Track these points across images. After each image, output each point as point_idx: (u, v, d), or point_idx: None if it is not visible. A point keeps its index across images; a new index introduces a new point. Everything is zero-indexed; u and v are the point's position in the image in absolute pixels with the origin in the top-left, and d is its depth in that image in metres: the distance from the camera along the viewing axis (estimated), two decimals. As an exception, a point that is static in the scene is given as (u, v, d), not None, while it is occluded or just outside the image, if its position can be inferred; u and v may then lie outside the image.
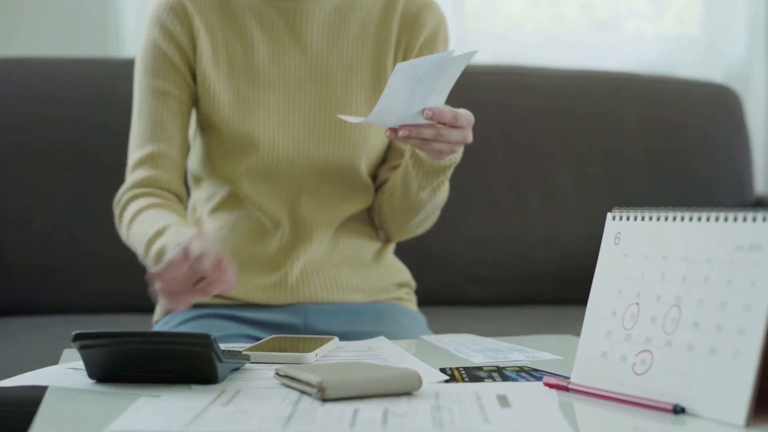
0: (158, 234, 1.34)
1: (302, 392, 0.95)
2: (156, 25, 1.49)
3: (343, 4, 1.51)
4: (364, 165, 1.51)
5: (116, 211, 1.48)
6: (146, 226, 1.38)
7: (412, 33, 1.52)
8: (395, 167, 1.54)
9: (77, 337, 0.99)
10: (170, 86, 1.48)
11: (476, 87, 2.26)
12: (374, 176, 1.56)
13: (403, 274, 1.61)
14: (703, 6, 2.71)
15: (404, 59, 1.52)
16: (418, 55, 1.52)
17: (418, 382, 0.95)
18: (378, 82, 1.51)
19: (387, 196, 1.51)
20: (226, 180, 1.50)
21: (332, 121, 1.48)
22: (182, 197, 1.49)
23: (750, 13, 2.67)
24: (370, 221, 1.57)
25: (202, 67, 1.48)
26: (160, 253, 1.31)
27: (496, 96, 2.27)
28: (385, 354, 1.19)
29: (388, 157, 1.55)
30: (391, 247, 1.61)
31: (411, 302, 1.61)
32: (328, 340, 1.22)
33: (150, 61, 1.49)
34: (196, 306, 1.50)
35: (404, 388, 0.95)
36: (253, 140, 1.47)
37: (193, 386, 0.99)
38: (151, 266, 1.32)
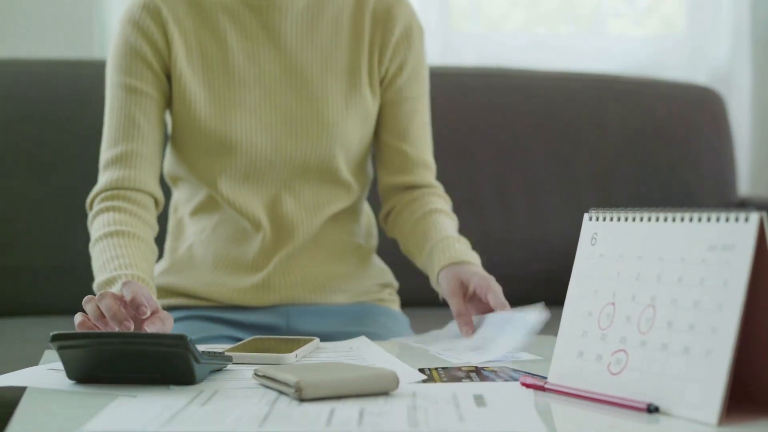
0: (107, 284, 1.29)
1: (280, 392, 0.96)
2: (129, 24, 1.48)
3: (314, 1, 1.51)
4: (342, 161, 1.51)
5: (88, 214, 1.45)
6: (102, 260, 1.33)
7: (385, 29, 1.52)
8: (398, 171, 1.55)
9: (55, 338, 0.99)
10: (144, 85, 1.46)
11: (461, 88, 2.27)
12: (376, 180, 1.56)
13: (386, 274, 1.61)
14: (687, 8, 2.72)
15: (380, 55, 1.52)
16: (394, 51, 1.52)
17: (395, 382, 0.95)
18: (353, 76, 1.51)
19: (399, 240, 1.58)
20: (203, 182, 1.50)
21: (309, 117, 1.48)
22: (157, 197, 1.46)
23: (734, 15, 2.68)
24: (352, 221, 1.57)
25: (178, 68, 1.46)
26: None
27: (481, 97, 2.27)
28: (365, 354, 1.20)
29: (378, 158, 1.56)
30: (374, 247, 1.61)
31: (394, 303, 1.61)
32: (308, 341, 1.23)
33: (123, 60, 1.47)
34: (179, 308, 1.50)
35: (381, 388, 0.95)
36: (231, 141, 1.46)
37: (172, 387, 0.99)
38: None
